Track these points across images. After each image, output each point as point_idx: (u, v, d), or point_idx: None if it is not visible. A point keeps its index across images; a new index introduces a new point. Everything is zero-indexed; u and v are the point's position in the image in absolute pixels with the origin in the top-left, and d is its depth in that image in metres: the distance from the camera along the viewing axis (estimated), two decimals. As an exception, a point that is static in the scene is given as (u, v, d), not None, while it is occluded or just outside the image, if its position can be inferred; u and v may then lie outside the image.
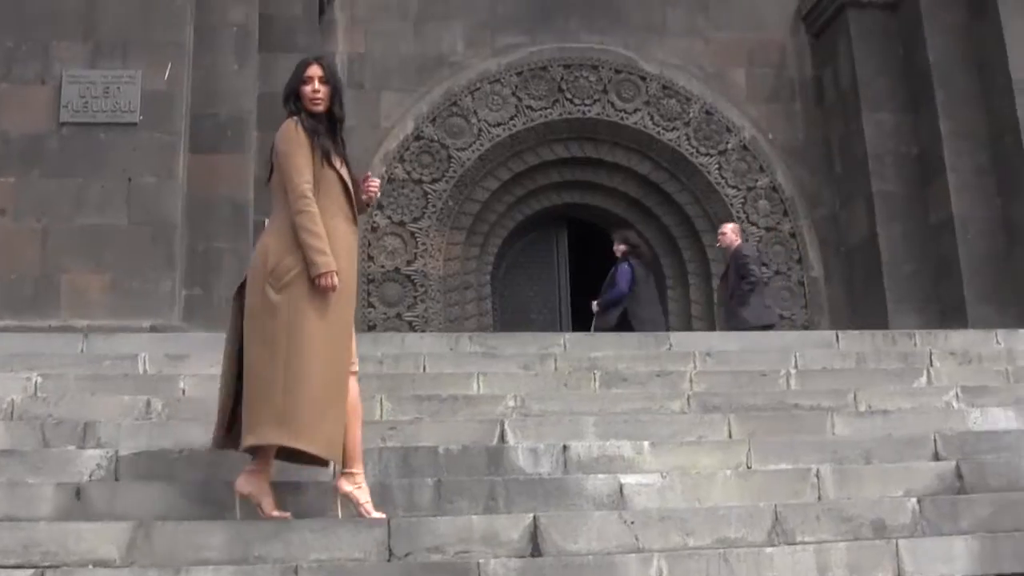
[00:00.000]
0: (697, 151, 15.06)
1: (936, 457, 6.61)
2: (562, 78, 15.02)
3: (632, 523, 5.21)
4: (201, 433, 6.41)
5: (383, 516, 5.21)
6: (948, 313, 13.46)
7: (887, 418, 7.20)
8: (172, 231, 11.09)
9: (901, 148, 14.47)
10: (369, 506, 5.29)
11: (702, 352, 8.53)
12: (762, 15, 15.74)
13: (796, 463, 6.34)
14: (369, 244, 14.16)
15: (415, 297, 14.24)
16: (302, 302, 5.17)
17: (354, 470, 5.35)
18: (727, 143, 15.15)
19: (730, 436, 6.84)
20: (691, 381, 7.90)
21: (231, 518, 5.28)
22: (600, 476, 5.89)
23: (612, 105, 15.02)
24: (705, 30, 15.56)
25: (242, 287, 5.48)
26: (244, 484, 5.23)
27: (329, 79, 5.57)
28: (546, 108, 14.94)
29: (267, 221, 5.69)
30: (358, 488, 5.32)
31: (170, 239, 11.06)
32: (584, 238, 15.77)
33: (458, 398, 7.26)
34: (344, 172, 5.47)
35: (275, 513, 5.21)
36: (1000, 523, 5.56)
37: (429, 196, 14.48)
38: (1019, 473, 6.25)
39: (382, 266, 14.18)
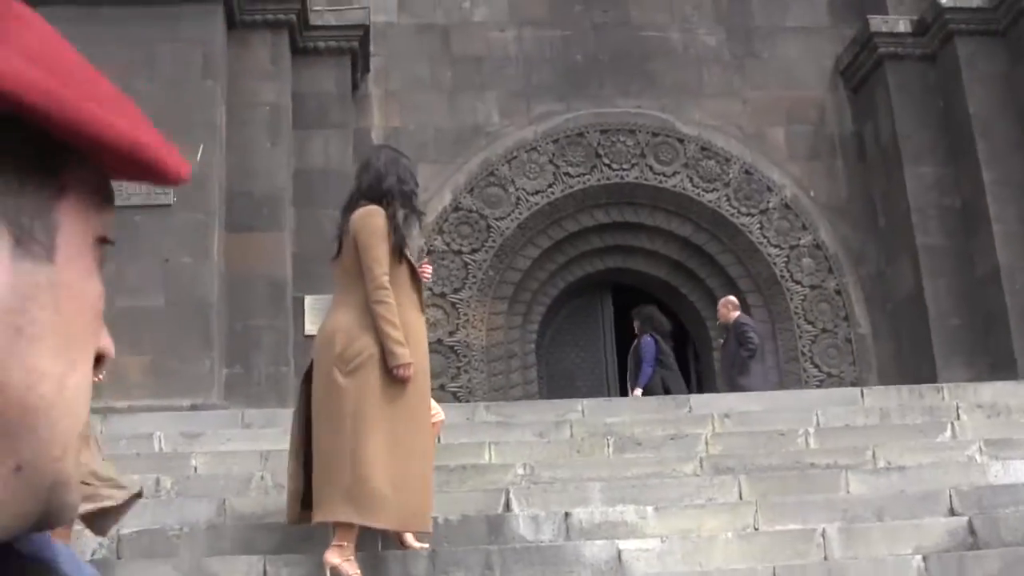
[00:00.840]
0: (738, 211, 14.92)
1: (951, 512, 6.46)
2: (599, 143, 14.95)
3: (624, 589, 5.15)
4: (207, 510, 6.47)
5: (372, 589, 5.21)
6: (998, 365, 13.12)
7: (904, 474, 7.04)
8: (209, 310, 11.24)
9: (944, 201, 14.23)
10: (358, 579, 5.28)
11: (720, 414, 8.41)
12: (799, 72, 15.57)
13: (805, 523, 6.22)
14: (409, 317, 14.14)
15: (458, 368, 14.17)
16: (370, 386, 5.31)
17: (343, 543, 5.35)
18: (768, 202, 14.98)
19: (740, 497, 6.72)
20: (706, 443, 7.79)
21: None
22: (598, 542, 5.82)
23: (650, 168, 14.93)
24: (742, 90, 15.40)
25: (309, 371, 5.67)
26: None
27: None
28: (584, 174, 14.87)
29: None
30: (347, 560, 5.32)
31: (207, 318, 11.20)
32: (629, 303, 15.63)
33: (467, 467, 7.24)
34: (414, 260, 5.66)
35: None
36: (1010, 579, 5.42)
37: (469, 267, 14.45)
38: (1037, 527, 6.09)
39: (424, 337, 14.15)
